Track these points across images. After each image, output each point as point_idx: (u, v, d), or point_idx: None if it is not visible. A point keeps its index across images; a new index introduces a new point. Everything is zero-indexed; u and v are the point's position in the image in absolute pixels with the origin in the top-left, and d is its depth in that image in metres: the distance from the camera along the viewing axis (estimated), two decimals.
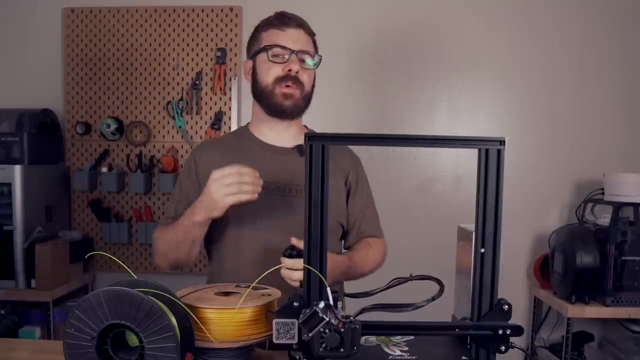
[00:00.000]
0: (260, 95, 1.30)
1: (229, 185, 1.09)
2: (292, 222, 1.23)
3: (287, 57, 1.26)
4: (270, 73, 1.27)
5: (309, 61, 1.29)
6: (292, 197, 1.27)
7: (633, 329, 2.24)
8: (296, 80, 1.26)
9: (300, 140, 1.33)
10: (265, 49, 1.26)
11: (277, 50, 1.26)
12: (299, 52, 1.26)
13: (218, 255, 1.32)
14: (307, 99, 1.31)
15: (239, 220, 1.25)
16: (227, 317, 0.84)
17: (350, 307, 0.83)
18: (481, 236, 0.78)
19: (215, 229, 1.30)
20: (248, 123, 1.42)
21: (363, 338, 0.84)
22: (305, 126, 1.42)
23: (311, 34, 1.32)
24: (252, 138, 1.35)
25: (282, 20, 1.28)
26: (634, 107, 2.55)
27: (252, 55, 1.32)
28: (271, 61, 1.26)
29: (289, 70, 1.25)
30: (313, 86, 1.33)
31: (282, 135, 1.33)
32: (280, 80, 1.26)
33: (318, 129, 1.37)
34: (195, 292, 0.93)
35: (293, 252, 1.04)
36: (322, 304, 0.74)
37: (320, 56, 1.31)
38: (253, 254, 1.24)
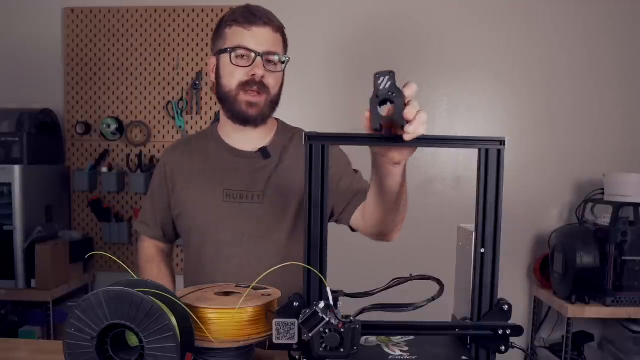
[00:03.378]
0: (224, 100, 1.23)
1: None
2: (251, 228, 1.22)
3: (252, 59, 1.17)
4: (233, 77, 1.19)
5: (275, 59, 1.20)
6: (253, 203, 1.24)
7: (633, 329, 2.24)
8: (261, 85, 1.18)
9: (268, 140, 1.29)
10: (228, 50, 1.18)
11: (240, 52, 1.17)
12: (264, 54, 1.17)
13: (185, 260, 1.33)
14: (273, 104, 1.24)
15: (200, 228, 1.24)
16: (227, 317, 0.84)
17: (350, 307, 0.83)
18: (481, 236, 0.78)
19: (182, 233, 1.32)
20: (216, 123, 1.37)
21: (363, 338, 0.84)
22: (277, 120, 1.35)
23: (280, 30, 1.23)
24: (218, 140, 1.31)
25: (247, 17, 1.18)
26: (634, 107, 2.56)
27: (216, 53, 1.24)
28: (234, 64, 1.18)
29: (253, 75, 1.17)
30: (281, 87, 1.25)
31: (249, 136, 1.27)
32: (244, 85, 1.18)
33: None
34: (195, 292, 0.93)
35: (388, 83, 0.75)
36: (322, 304, 0.74)
37: (288, 57, 1.23)
38: (214, 260, 1.23)
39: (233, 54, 1.18)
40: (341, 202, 1.22)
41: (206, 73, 2.63)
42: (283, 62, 1.23)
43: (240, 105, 1.20)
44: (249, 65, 1.18)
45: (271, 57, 1.19)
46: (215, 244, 1.23)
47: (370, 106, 0.76)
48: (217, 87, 1.24)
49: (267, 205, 1.23)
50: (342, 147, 1.32)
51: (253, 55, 1.17)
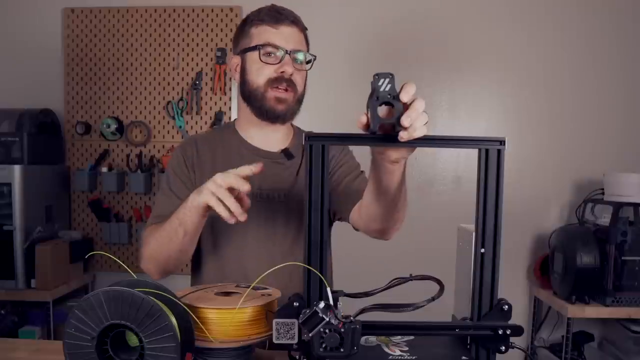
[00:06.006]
0: (250, 97, 1.22)
1: (220, 188, 0.97)
2: (272, 229, 1.22)
3: (280, 57, 1.18)
4: (261, 74, 1.19)
5: (301, 58, 1.21)
6: (278, 202, 1.23)
7: (633, 329, 2.24)
8: (290, 82, 1.19)
9: (287, 142, 1.30)
10: (257, 48, 1.18)
11: (269, 49, 1.18)
12: (292, 51, 1.19)
13: (198, 263, 1.30)
14: (300, 102, 1.24)
15: (225, 226, 1.19)
16: (227, 317, 0.84)
17: (350, 307, 0.83)
18: (481, 236, 0.78)
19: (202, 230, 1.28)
20: (235, 120, 1.35)
21: (363, 338, 0.84)
22: (291, 123, 1.34)
23: (304, 31, 1.24)
24: (239, 139, 1.29)
25: (274, 16, 1.20)
26: (634, 107, 2.56)
27: (241, 51, 1.24)
28: (263, 61, 1.18)
29: (282, 72, 1.18)
30: (305, 86, 1.25)
31: (270, 137, 1.27)
32: (272, 82, 1.18)
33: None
34: (195, 292, 0.93)
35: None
36: (322, 304, 0.74)
37: (314, 56, 1.25)
38: (231, 262, 1.22)
39: (262, 51, 1.18)
40: (340, 200, 1.23)
41: (205, 73, 2.63)
42: (308, 62, 1.24)
43: (269, 101, 1.20)
44: (278, 63, 1.19)
45: (298, 56, 1.21)
46: (241, 243, 1.22)
47: (369, 107, 0.75)
48: (243, 85, 1.24)
49: (292, 205, 1.23)
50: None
51: (281, 53, 1.18)
